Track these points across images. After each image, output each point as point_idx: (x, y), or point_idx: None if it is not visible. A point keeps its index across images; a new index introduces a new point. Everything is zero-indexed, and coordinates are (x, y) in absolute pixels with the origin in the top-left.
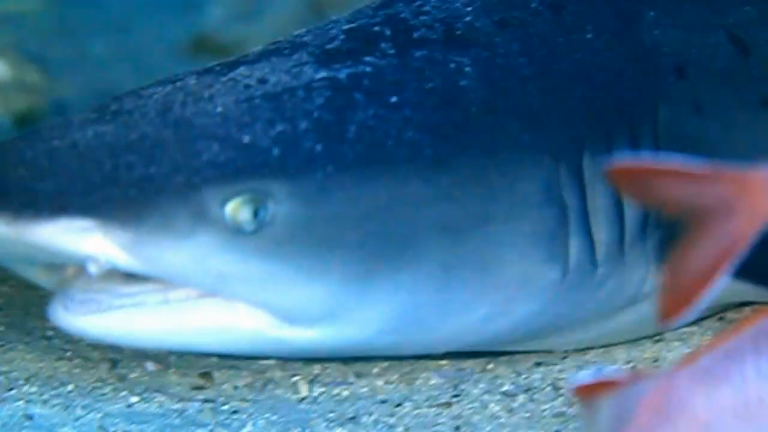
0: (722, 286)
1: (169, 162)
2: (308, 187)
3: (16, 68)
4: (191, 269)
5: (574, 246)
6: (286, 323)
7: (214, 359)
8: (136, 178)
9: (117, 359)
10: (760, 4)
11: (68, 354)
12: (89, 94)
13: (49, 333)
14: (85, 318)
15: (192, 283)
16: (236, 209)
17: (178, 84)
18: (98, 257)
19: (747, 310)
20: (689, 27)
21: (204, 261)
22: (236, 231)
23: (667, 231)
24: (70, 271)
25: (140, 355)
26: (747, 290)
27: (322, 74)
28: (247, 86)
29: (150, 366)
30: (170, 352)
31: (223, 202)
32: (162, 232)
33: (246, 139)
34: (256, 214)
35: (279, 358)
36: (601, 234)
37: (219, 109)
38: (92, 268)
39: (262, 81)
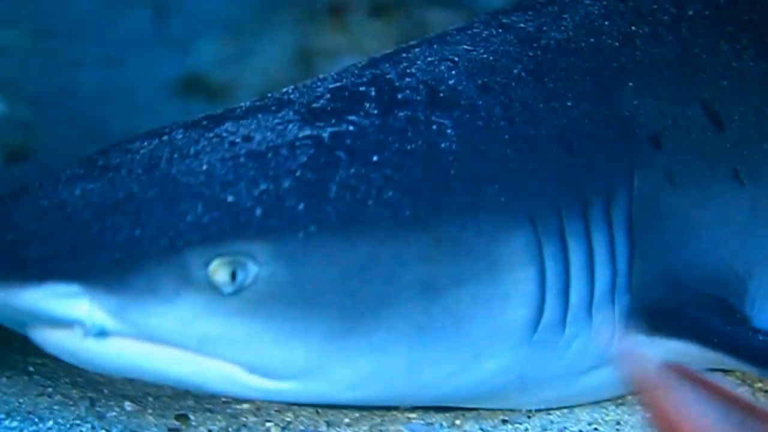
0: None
1: (154, 223)
2: (290, 249)
3: (8, 104)
4: (176, 332)
5: (544, 308)
6: (263, 378)
7: (191, 402)
8: (122, 241)
9: (96, 398)
10: (736, 78)
11: (49, 390)
12: (79, 130)
13: (30, 368)
14: (60, 334)
15: (177, 345)
16: (219, 271)
17: (165, 138)
18: (85, 322)
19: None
20: (666, 98)
21: (188, 324)
22: (219, 293)
23: (636, 297)
24: None
25: (118, 394)
26: (709, 357)
27: (306, 132)
28: (233, 143)
29: (128, 406)
30: (148, 393)
31: (206, 265)
32: (147, 297)
33: (230, 198)
34: (239, 275)
35: (252, 402)
36: (571, 297)
37: (204, 167)
38: (79, 332)
39: (247, 138)
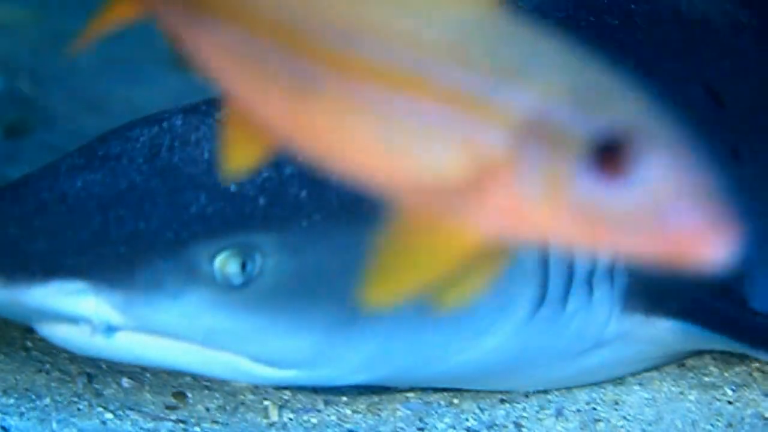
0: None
1: (158, 215)
2: (294, 238)
3: (8, 79)
4: (182, 327)
5: (545, 288)
6: (269, 367)
7: (188, 379)
8: (126, 235)
9: (93, 374)
10: (736, 57)
11: (46, 367)
12: (79, 103)
13: (29, 345)
14: (68, 329)
15: (183, 338)
16: (225, 263)
17: (164, 125)
18: (92, 318)
19: (707, 357)
20: (666, 77)
21: (195, 318)
22: (225, 286)
23: (634, 277)
24: None
25: (116, 371)
26: (707, 338)
27: None
28: None
29: (125, 383)
30: (146, 370)
31: (212, 257)
32: (153, 292)
33: (232, 188)
34: (244, 267)
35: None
36: (571, 277)
37: (206, 156)
38: (86, 329)
39: None
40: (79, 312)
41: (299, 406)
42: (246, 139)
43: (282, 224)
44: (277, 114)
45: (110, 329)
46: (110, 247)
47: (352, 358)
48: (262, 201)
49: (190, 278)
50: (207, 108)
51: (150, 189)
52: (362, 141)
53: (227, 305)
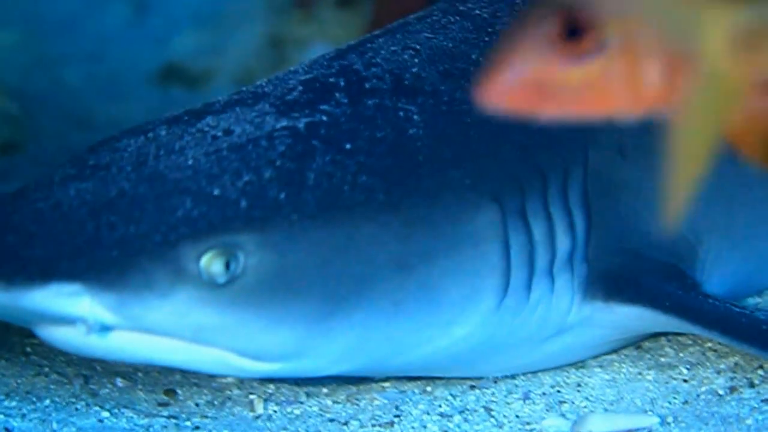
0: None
1: (147, 220)
2: (275, 237)
3: None
4: (172, 324)
5: (509, 279)
6: (254, 361)
7: (178, 377)
8: (118, 239)
9: (89, 376)
10: None
11: (45, 370)
12: (67, 121)
13: (28, 350)
14: (65, 330)
15: (173, 336)
16: (210, 263)
17: (150, 135)
18: (87, 318)
19: (663, 339)
20: None
21: (183, 316)
22: (211, 284)
23: (593, 265)
24: None
25: (110, 372)
26: (663, 321)
27: (283, 123)
28: (215, 137)
29: (119, 383)
30: (138, 370)
31: (198, 258)
32: (144, 292)
33: (216, 192)
34: (228, 266)
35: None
36: (534, 268)
37: (189, 162)
38: (82, 329)
39: (228, 132)
40: (76, 313)
41: (283, 398)
42: None
43: (262, 225)
44: None
45: (104, 329)
46: (103, 251)
47: (331, 349)
48: (243, 204)
49: (177, 278)
50: (189, 118)
51: (138, 195)
52: None
53: (213, 302)
